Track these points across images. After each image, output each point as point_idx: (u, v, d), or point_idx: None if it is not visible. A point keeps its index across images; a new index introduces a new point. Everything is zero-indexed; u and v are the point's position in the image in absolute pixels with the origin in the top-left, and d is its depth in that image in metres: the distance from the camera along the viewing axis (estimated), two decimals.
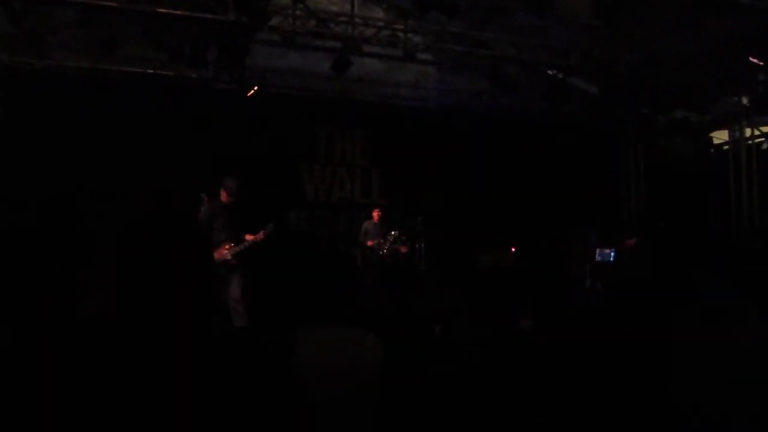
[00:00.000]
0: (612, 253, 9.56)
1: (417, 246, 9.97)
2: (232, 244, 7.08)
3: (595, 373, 2.55)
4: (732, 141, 11.69)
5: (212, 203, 7.21)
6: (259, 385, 1.79)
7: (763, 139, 11.50)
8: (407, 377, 2.11)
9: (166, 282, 7.11)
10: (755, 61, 9.02)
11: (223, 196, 7.23)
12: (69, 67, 9.16)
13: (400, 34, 10.15)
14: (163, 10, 7.65)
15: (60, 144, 8.84)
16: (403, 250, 9.80)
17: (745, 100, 10.94)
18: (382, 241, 9.71)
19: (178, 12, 7.70)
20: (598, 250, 9.80)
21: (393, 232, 9.75)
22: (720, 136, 12.37)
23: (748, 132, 11.39)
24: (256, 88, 9.62)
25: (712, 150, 12.64)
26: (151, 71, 9.45)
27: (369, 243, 9.79)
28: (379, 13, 10.57)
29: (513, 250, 10.51)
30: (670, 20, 8.63)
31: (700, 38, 8.95)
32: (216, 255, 7.06)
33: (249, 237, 7.16)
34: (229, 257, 7.05)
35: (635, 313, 2.82)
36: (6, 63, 8.92)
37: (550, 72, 10.62)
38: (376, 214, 10.01)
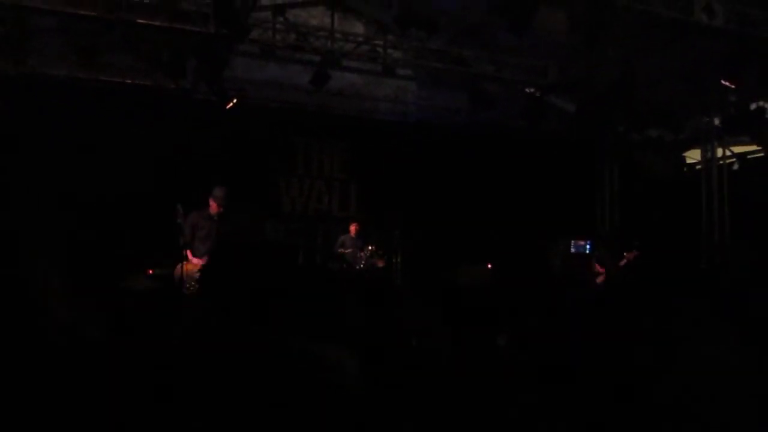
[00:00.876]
0: (587, 245, 9.71)
1: (394, 260, 9.99)
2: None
3: (570, 390, 2.56)
4: (704, 160, 11.92)
5: (197, 213, 7.04)
6: (239, 400, 1.78)
7: (734, 159, 11.75)
8: (383, 392, 2.11)
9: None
10: (726, 83, 9.22)
11: (213, 206, 7.09)
12: (46, 74, 9.05)
13: (380, 50, 10.23)
14: (142, 21, 7.61)
15: (34, 151, 8.70)
16: (380, 264, 9.80)
17: (717, 121, 11.17)
18: (360, 254, 9.71)
19: (158, 22, 7.67)
20: (573, 242, 9.99)
21: (370, 247, 9.75)
22: (693, 156, 12.61)
23: (720, 152, 11.62)
24: (235, 99, 9.60)
25: (685, 169, 12.87)
26: (130, 81, 9.38)
27: (341, 251, 9.74)
28: (359, 28, 10.64)
29: (489, 266, 10.56)
30: (645, 41, 8.80)
31: (674, 59, 9.13)
32: (195, 263, 6.85)
33: None
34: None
35: (612, 328, 2.84)
36: None
37: (528, 90, 10.76)
38: (353, 227, 10.00)
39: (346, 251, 9.74)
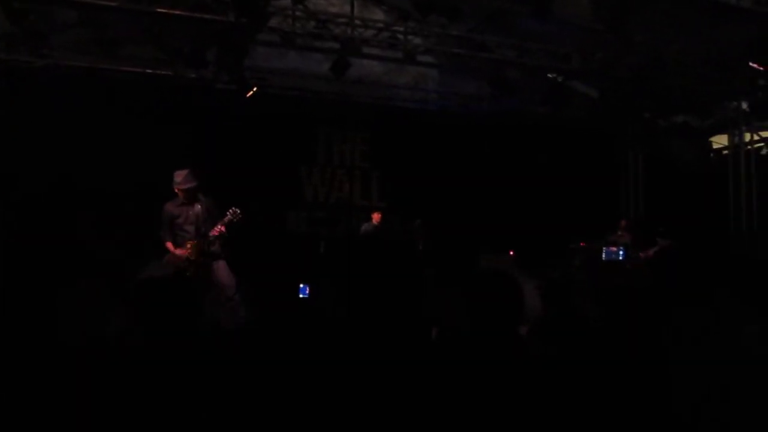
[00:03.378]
0: (621, 252, 9.31)
1: (416, 249, 9.95)
2: (197, 242, 6.68)
3: (593, 381, 2.53)
4: (732, 146, 11.69)
5: (170, 203, 6.84)
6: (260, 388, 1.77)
7: (762, 144, 11.51)
8: (401, 381, 2.10)
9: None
10: (755, 66, 9.01)
11: (178, 192, 6.82)
12: (69, 66, 9.13)
13: (400, 36, 10.15)
14: (162, 10, 7.64)
15: (59, 143, 8.81)
16: None
17: (745, 105, 10.94)
18: None
19: (178, 12, 7.69)
20: (605, 249, 9.59)
21: None
22: (720, 141, 12.38)
23: (747, 137, 11.39)
24: (255, 88, 9.60)
25: (711, 154, 12.64)
26: (151, 71, 9.43)
27: None
28: (378, 15, 10.55)
29: (512, 254, 10.49)
30: (671, 25, 8.63)
31: (700, 43, 8.94)
32: (178, 254, 6.74)
33: (213, 232, 6.74)
34: (193, 257, 6.66)
35: (637, 320, 2.80)
36: (5, 61, 8.89)
37: (550, 75, 10.61)
38: (376, 216, 9.97)
39: None
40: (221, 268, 6.84)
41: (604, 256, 9.50)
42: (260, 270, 7.44)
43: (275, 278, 7.05)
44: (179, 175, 6.78)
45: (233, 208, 6.89)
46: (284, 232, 10.53)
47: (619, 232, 10.16)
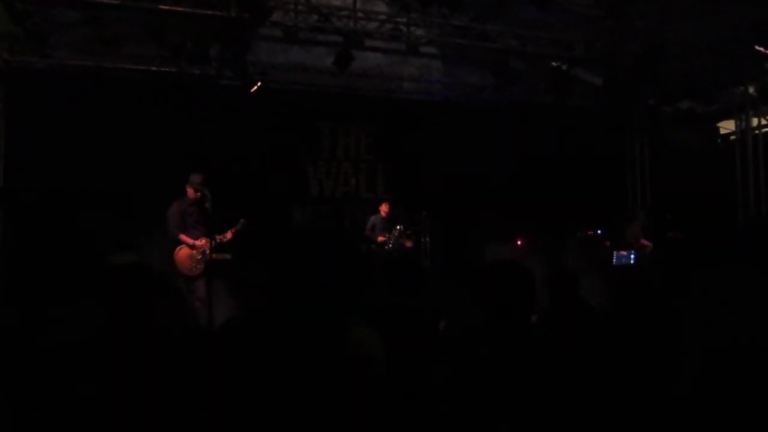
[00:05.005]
0: (632, 255, 9.20)
1: (422, 240, 9.96)
2: (209, 240, 6.97)
3: (604, 369, 2.52)
4: (739, 131, 11.61)
5: (179, 202, 7.24)
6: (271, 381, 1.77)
7: None
8: (410, 374, 2.10)
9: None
10: (761, 49, 8.94)
11: (190, 192, 7.24)
12: (71, 65, 9.14)
13: (403, 28, 10.13)
14: (164, 7, 7.65)
15: (63, 142, 8.82)
16: (408, 244, 9.78)
17: (751, 90, 10.86)
18: (388, 235, 9.70)
19: (180, 8, 7.70)
20: (615, 253, 9.45)
21: (398, 227, 9.73)
22: (727, 126, 12.30)
23: (755, 122, 11.31)
24: (259, 83, 9.60)
25: (718, 140, 12.56)
26: (154, 68, 9.43)
27: (380, 239, 9.75)
28: (381, 7, 10.51)
29: (519, 243, 10.49)
30: (674, 10, 8.57)
31: (705, 27, 8.88)
32: (198, 244, 7.07)
33: (219, 237, 7.15)
34: (207, 251, 6.96)
35: (646, 308, 2.79)
36: (8, 62, 8.91)
37: (554, 64, 10.57)
38: (384, 208, 9.96)
39: (384, 238, 9.73)
40: (204, 282, 7.11)
41: (614, 260, 9.41)
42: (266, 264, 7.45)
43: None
44: (198, 177, 7.18)
45: (243, 220, 7.14)
46: (290, 227, 10.54)
47: (632, 226, 10.04)
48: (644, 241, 9.69)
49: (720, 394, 2.34)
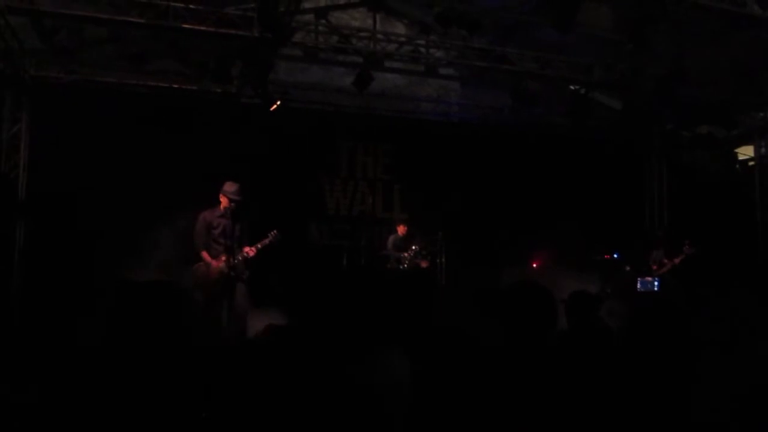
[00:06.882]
0: (656, 282, 9.17)
1: (438, 261, 9.94)
2: (230, 256, 6.68)
3: (620, 392, 2.52)
4: (758, 157, 11.55)
5: (209, 211, 6.94)
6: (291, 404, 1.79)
7: None
8: (435, 394, 2.10)
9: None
10: None
11: (223, 201, 6.90)
12: (95, 81, 9.30)
13: (422, 49, 10.22)
14: (188, 26, 7.77)
15: (85, 156, 8.94)
16: (424, 264, 9.76)
17: None
18: (404, 255, 9.69)
19: (203, 28, 7.82)
20: (639, 280, 9.42)
21: (414, 247, 9.73)
22: (745, 152, 12.24)
23: None
24: (279, 102, 9.70)
25: (737, 166, 12.50)
26: (177, 86, 9.57)
27: (386, 252, 9.75)
28: (400, 29, 10.63)
29: (535, 265, 10.45)
30: (694, 35, 8.58)
31: (724, 53, 8.88)
32: (214, 266, 6.79)
33: (246, 249, 6.83)
34: (225, 270, 6.68)
35: (662, 329, 2.79)
36: (35, 77, 9.08)
37: (572, 87, 10.59)
38: (401, 228, 9.96)
39: (394, 252, 9.74)
40: (241, 290, 6.83)
41: (639, 286, 9.38)
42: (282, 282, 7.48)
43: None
44: (232, 186, 6.92)
45: (274, 231, 6.94)
46: (306, 245, 10.58)
47: (656, 252, 10.02)
48: (665, 260, 9.65)
49: (732, 420, 2.33)
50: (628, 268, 9.92)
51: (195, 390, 2.14)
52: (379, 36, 9.92)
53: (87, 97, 9.19)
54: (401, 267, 9.66)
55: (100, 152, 8.98)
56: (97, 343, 2.34)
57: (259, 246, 6.88)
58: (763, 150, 11.36)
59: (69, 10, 7.55)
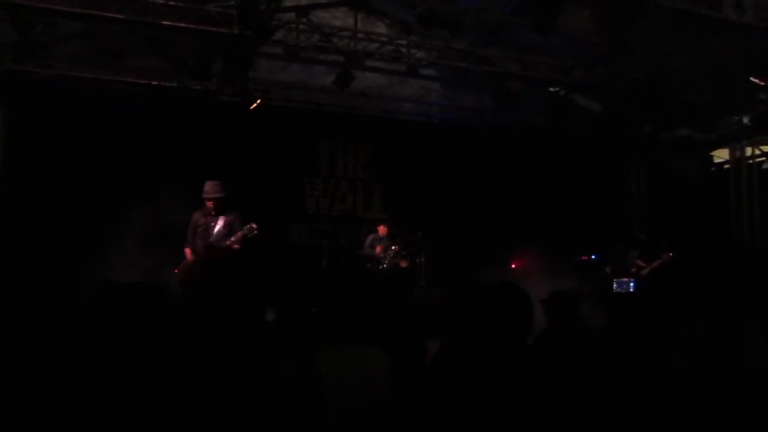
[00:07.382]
0: (632, 283, 9.27)
1: (417, 261, 9.95)
2: (206, 250, 6.93)
3: (594, 393, 2.54)
4: (733, 160, 11.72)
5: (198, 211, 7.20)
6: (274, 405, 1.77)
7: (763, 158, 11.53)
8: (417, 394, 2.10)
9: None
10: (756, 80, 9.05)
11: (205, 201, 7.16)
12: (72, 76, 9.16)
13: (403, 50, 10.21)
14: (168, 23, 7.69)
15: (61, 151, 8.83)
16: (404, 264, 9.76)
17: (746, 119, 10.98)
18: (384, 254, 9.67)
19: (184, 24, 7.74)
20: (615, 281, 9.51)
21: (393, 247, 9.72)
22: (721, 155, 12.41)
23: (749, 151, 11.42)
24: (259, 100, 9.65)
25: (713, 168, 12.67)
26: (155, 82, 9.47)
27: (377, 252, 9.69)
28: (382, 29, 10.62)
29: (514, 266, 10.50)
30: (672, 39, 8.68)
31: (702, 57, 8.99)
32: (190, 261, 7.04)
33: (226, 243, 6.99)
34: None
35: (637, 333, 2.81)
36: (12, 72, 8.94)
37: (552, 89, 10.66)
38: (382, 228, 9.92)
39: (372, 252, 9.71)
40: None
41: (615, 287, 9.47)
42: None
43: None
44: (207, 185, 7.13)
45: (251, 224, 7.05)
46: (286, 244, 10.53)
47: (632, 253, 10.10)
48: (640, 262, 9.74)
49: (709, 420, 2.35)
50: (608, 270, 10.00)
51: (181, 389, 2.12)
52: (361, 35, 9.90)
53: (64, 93, 9.06)
54: (381, 267, 9.65)
55: (77, 147, 8.87)
56: (74, 343, 2.31)
57: (233, 239, 6.98)
58: (738, 153, 11.52)
59: (47, 4, 7.43)
